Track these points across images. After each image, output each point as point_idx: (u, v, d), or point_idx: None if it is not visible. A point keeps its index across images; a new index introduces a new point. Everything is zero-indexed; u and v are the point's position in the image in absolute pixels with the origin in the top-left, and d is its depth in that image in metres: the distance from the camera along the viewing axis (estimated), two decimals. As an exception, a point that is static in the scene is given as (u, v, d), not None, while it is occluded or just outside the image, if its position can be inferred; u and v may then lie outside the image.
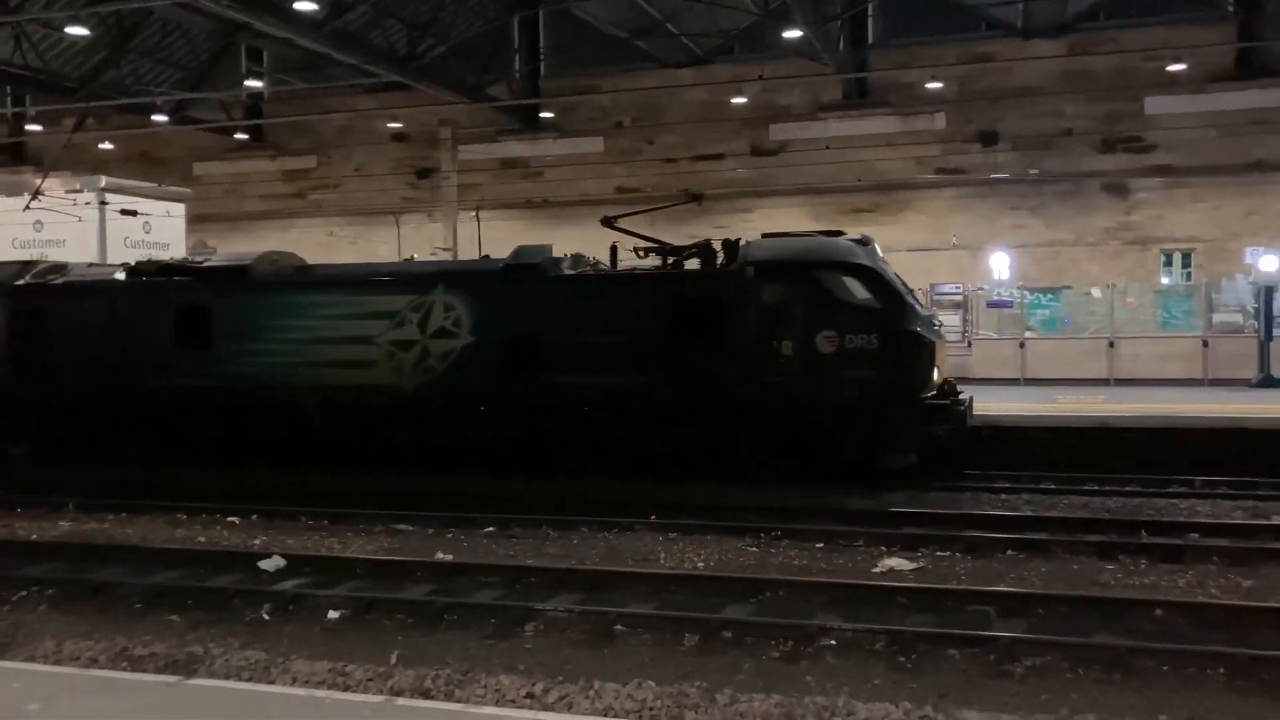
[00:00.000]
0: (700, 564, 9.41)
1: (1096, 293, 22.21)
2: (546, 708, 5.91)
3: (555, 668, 6.72)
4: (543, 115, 32.53)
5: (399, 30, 28.42)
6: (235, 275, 14.89)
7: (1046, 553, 9.47)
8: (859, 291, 12.44)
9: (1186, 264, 28.21)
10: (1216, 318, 20.67)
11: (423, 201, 32.68)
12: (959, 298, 23.48)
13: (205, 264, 15.68)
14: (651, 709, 5.87)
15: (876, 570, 9.13)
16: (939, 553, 9.60)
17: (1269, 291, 19.23)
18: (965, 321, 22.82)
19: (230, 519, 11.69)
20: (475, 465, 13.55)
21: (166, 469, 14.27)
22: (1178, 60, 27.04)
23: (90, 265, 18.10)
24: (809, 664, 6.84)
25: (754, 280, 12.61)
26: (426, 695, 6.09)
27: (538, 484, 12.63)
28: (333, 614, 7.99)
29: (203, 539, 10.97)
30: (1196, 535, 9.92)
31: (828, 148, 27.58)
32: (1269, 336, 19.14)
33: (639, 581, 8.58)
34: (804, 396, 12.42)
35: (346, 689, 6.19)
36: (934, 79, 28.37)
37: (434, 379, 13.63)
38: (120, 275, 15.94)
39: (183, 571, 9.32)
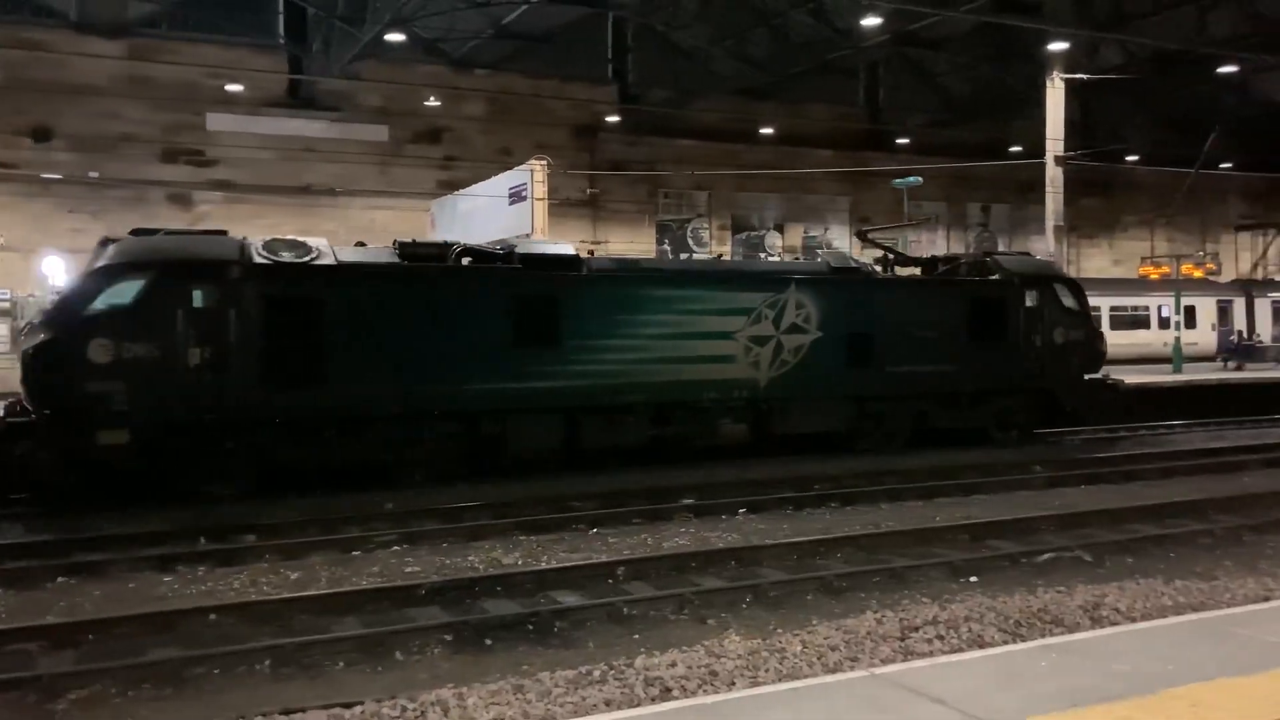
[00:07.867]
0: None
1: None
2: None
3: None
4: None
5: None
6: (571, 265, 14.45)
7: (103, 574, 9.06)
8: (1070, 298, 17.78)
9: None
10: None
11: None
12: (7, 304, 21.33)
13: (531, 251, 14.56)
14: None
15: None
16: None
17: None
18: (16, 331, 20.77)
19: None
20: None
21: None
22: (236, 81, 28.34)
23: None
24: None
25: (1019, 289, 17.34)
26: None
27: None
28: None
29: None
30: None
31: None
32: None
33: None
34: (1047, 377, 17.44)
35: None
36: (-27, 59, 25.32)
37: (785, 372, 15.43)
38: (385, 257, 13.44)
39: None
